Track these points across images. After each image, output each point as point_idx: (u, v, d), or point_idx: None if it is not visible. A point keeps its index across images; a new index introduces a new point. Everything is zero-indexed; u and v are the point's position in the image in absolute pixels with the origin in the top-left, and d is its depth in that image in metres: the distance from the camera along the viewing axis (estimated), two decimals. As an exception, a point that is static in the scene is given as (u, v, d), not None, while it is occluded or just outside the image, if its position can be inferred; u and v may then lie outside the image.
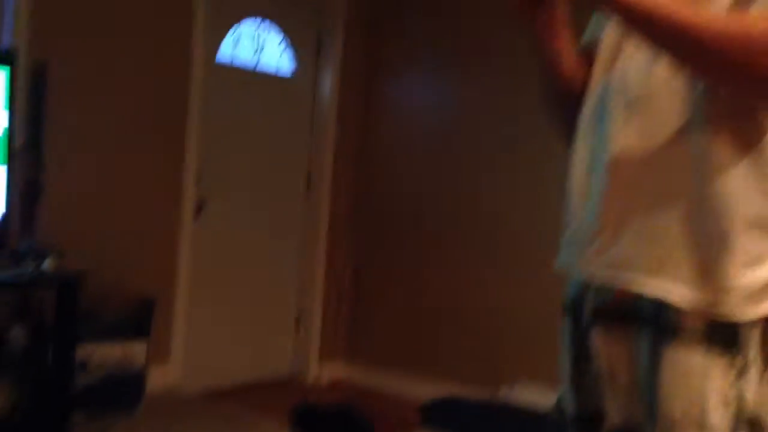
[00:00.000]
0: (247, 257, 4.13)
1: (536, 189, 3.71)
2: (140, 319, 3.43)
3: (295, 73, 4.34)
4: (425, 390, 3.62)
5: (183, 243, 3.75)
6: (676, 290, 1.11)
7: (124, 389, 3.29)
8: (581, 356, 1.28)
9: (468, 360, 3.94)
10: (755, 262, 1.09)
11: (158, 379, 3.58)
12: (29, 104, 3.04)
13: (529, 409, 3.35)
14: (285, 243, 4.36)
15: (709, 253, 1.10)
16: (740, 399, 1.09)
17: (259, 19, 4.13)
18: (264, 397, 3.89)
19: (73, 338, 2.83)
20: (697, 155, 1.11)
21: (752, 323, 1.09)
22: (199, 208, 3.85)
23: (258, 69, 4.15)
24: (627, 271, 1.15)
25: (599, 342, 1.22)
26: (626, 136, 1.17)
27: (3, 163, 2.82)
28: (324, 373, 4.38)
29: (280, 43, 4.26)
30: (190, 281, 3.80)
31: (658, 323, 1.13)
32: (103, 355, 3.25)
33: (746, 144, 1.09)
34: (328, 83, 4.39)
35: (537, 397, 3.43)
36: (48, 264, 2.86)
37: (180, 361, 3.78)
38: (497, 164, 3.92)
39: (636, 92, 1.17)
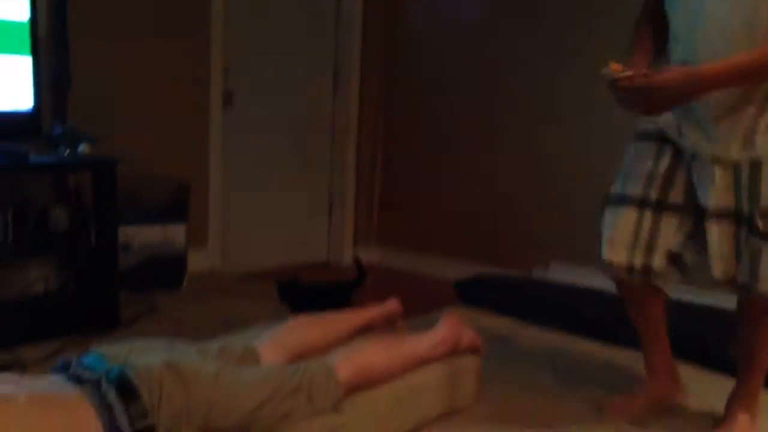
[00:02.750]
0: (277, 144, 4.16)
1: (574, 73, 3.57)
2: (177, 204, 3.51)
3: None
4: (459, 272, 3.63)
5: (213, 130, 3.78)
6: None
7: (167, 269, 3.41)
8: (671, 167, 1.97)
9: (501, 242, 3.97)
10: None
11: (198, 262, 3.69)
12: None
13: (565, 285, 3.39)
14: (315, 128, 4.36)
15: None
16: None
17: None
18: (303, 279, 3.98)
19: (114, 220, 2.89)
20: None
21: None
22: (228, 99, 3.87)
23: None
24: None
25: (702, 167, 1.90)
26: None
27: (29, 54, 2.83)
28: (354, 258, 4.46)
29: None
30: (222, 168, 3.86)
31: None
32: (144, 237, 3.36)
33: None
34: (351, -37, 4.28)
35: (571, 277, 3.46)
36: (82, 148, 2.91)
37: (218, 245, 3.89)
38: (531, 47, 3.81)
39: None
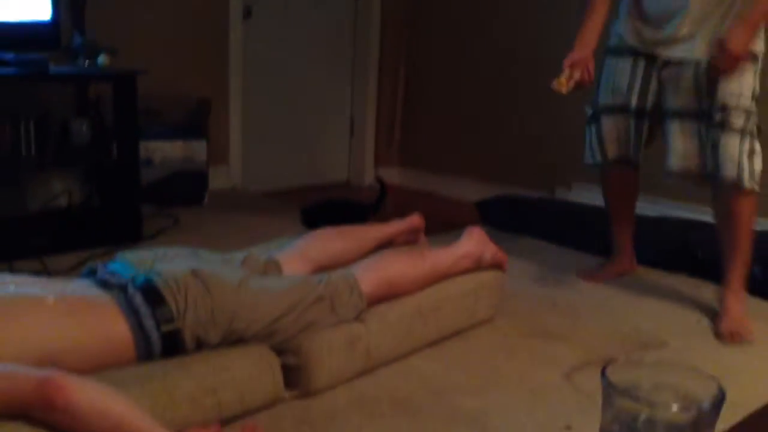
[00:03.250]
0: (298, 63, 4.09)
1: None
2: (198, 120, 3.49)
3: None
4: (481, 194, 3.60)
5: (233, 45, 3.72)
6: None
7: (188, 185, 3.41)
8: (646, 77, 2.35)
9: (524, 164, 3.92)
10: None
11: (219, 180, 3.69)
12: None
13: (587, 206, 3.34)
14: (336, 47, 4.28)
15: None
16: (755, 88, 2.19)
17: None
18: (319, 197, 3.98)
19: (135, 133, 2.88)
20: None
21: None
22: (247, 12, 3.78)
23: None
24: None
25: (671, 71, 2.28)
26: None
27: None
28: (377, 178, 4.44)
29: None
30: (242, 84, 3.81)
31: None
32: (166, 153, 3.35)
33: None
34: None
35: (593, 198, 3.40)
36: (102, 60, 2.88)
37: (239, 163, 3.88)
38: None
39: None
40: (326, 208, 3.16)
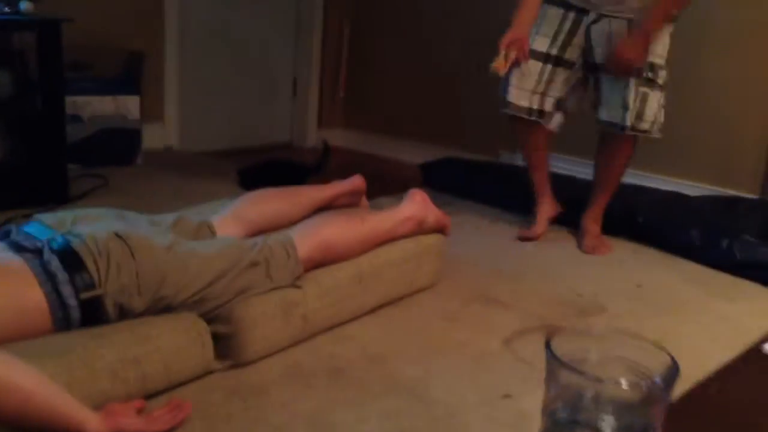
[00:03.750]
0: (239, 18, 3.91)
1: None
2: (130, 74, 3.31)
3: None
4: (425, 156, 3.56)
5: (169, -3, 3.54)
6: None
7: (120, 143, 3.24)
8: (572, 29, 2.48)
9: (468, 127, 3.87)
10: None
11: (154, 138, 3.53)
12: None
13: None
14: (280, 4, 4.11)
15: None
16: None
17: None
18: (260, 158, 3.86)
19: (61, 86, 2.70)
20: None
21: None
22: (184, -38, 3.60)
23: None
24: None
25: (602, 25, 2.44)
26: None
27: None
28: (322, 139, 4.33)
29: None
30: (179, 39, 3.63)
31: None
32: (95, 109, 3.17)
33: None
34: None
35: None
36: (26, 6, 2.69)
37: (176, 122, 3.71)
38: None
39: None
40: (265, 169, 3.05)
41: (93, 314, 1.48)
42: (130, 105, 3.24)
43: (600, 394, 0.72)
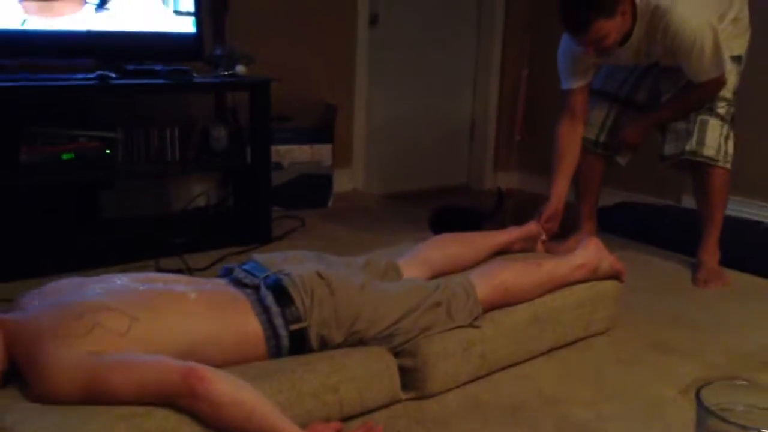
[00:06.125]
0: (421, 67, 4.18)
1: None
2: (325, 124, 3.65)
3: None
4: (602, 200, 3.54)
5: (360, 52, 3.86)
6: None
7: (315, 187, 3.58)
8: (642, 74, 2.79)
9: (648, 171, 3.81)
10: None
11: (343, 182, 3.84)
12: None
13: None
14: (459, 52, 4.34)
15: None
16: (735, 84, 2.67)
17: None
18: (441, 201, 4.05)
19: (268, 138, 3.04)
20: None
21: None
22: (374, 20, 3.91)
23: None
24: None
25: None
26: None
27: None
28: (498, 182, 4.46)
29: None
30: (367, 90, 3.94)
31: None
32: (295, 156, 3.53)
33: None
34: None
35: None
36: (240, 69, 3.06)
37: (362, 167, 4.02)
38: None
39: None
40: (451, 214, 3.22)
41: (299, 344, 1.70)
42: (324, 152, 3.57)
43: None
